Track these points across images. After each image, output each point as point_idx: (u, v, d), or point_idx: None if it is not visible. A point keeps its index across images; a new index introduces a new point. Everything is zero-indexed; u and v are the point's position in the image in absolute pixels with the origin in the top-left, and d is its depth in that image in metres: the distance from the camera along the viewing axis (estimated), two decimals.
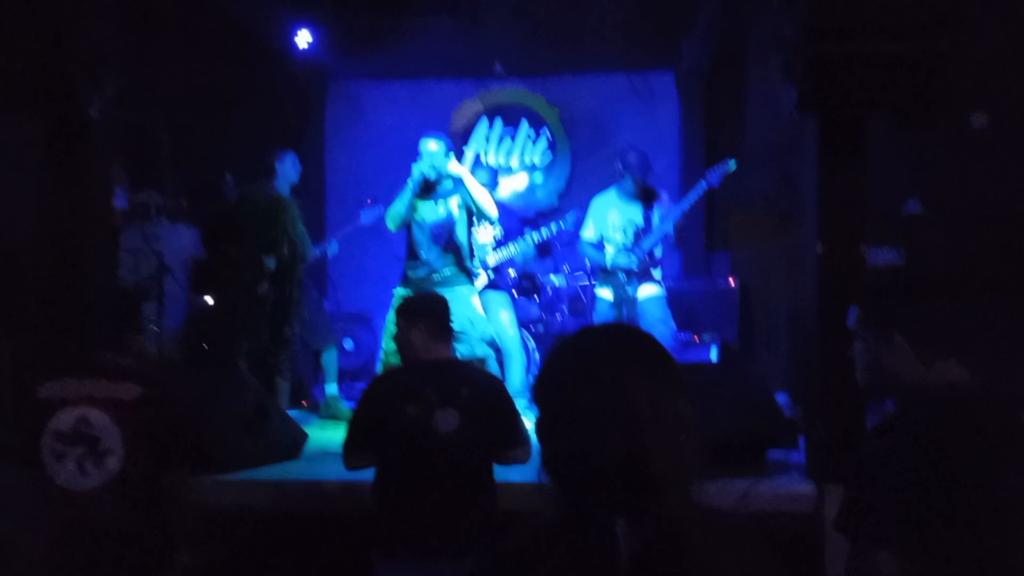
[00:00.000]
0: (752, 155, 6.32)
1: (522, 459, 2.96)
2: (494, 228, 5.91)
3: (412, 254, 5.08)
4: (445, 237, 5.02)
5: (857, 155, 3.60)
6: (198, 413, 2.68)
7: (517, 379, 5.60)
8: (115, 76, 3.89)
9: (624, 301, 5.30)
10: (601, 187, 5.67)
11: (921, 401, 1.92)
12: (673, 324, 5.45)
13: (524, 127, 8.19)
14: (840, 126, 3.59)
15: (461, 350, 4.64)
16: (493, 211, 5.07)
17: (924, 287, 2.07)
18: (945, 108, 3.58)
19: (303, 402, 5.85)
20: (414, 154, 5.09)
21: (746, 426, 3.67)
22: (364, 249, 7.14)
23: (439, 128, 8.00)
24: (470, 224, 5.14)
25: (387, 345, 4.73)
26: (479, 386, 2.95)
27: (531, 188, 8.15)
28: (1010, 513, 1.77)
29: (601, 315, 5.46)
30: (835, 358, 3.60)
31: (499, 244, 5.99)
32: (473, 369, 3.37)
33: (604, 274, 5.45)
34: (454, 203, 5.03)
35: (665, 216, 5.32)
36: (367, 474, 2.97)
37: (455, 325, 4.69)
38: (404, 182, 5.05)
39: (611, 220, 5.43)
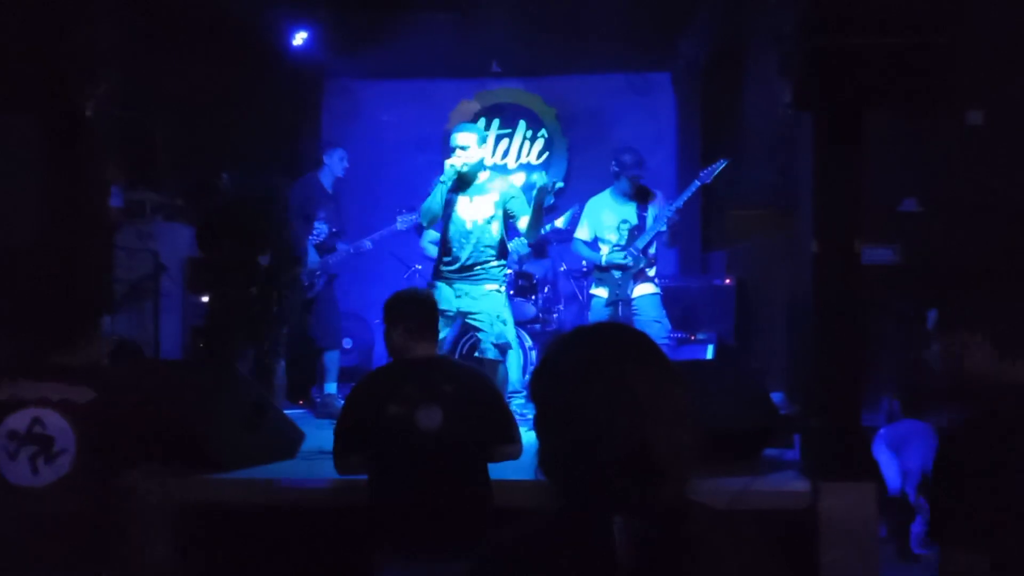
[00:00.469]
0: (749, 151, 6.33)
1: (514, 455, 2.94)
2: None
3: (445, 249, 4.91)
4: (477, 233, 4.84)
5: (854, 151, 3.59)
6: (154, 414, 2.75)
7: (514, 377, 5.60)
8: (111, 74, 3.88)
9: (619, 300, 5.29)
10: (598, 186, 5.67)
11: (1005, 401, 1.89)
12: (668, 323, 5.45)
13: (522, 127, 8.20)
14: (837, 122, 3.58)
15: (483, 346, 4.61)
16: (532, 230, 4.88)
17: (1006, 285, 2.04)
18: (943, 104, 3.57)
19: (300, 401, 5.86)
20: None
21: (741, 424, 3.67)
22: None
23: (437, 127, 8.08)
24: (506, 222, 4.92)
25: None
26: (463, 382, 2.91)
27: (528, 187, 8.14)
28: None
29: (596, 314, 5.45)
30: (831, 355, 3.61)
31: None
32: (458, 365, 3.34)
33: (599, 273, 5.45)
34: (489, 200, 4.85)
35: (659, 215, 5.33)
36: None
37: (480, 323, 4.73)
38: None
39: (606, 220, 5.43)
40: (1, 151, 4.14)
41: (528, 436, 2.29)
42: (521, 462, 2.99)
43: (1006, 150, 5.02)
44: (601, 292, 5.43)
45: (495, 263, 4.88)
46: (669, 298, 5.61)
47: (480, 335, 4.86)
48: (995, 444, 1.80)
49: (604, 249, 5.41)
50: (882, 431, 5.65)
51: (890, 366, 5.83)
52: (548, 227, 6.08)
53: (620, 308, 5.29)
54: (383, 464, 2.86)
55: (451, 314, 4.79)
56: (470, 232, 4.81)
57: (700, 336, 6.33)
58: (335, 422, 3.06)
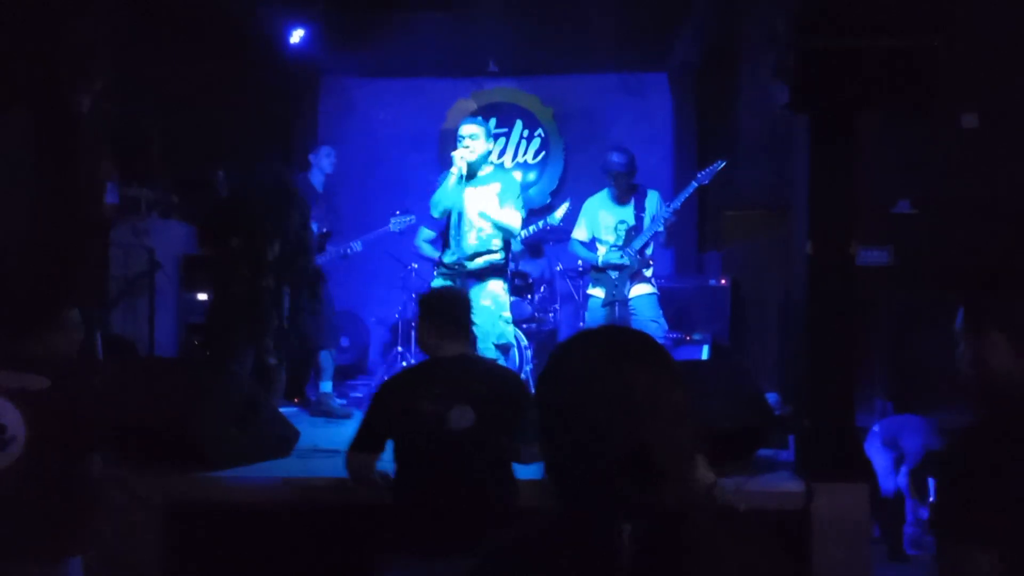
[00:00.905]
0: (745, 152, 6.34)
1: (540, 456, 2.92)
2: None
3: (447, 241, 4.94)
4: (480, 224, 4.82)
5: (849, 153, 3.60)
6: (111, 405, 2.82)
7: None
8: (106, 71, 3.88)
9: (616, 300, 5.30)
10: (594, 186, 5.68)
11: (1020, 398, 1.90)
12: (665, 323, 5.46)
13: (518, 126, 8.20)
14: (832, 123, 3.59)
15: (481, 345, 4.61)
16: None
17: (1021, 284, 2.05)
18: (937, 106, 3.58)
19: (295, 399, 5.85)
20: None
21: (736, 424, 3.67)
22: None
23: (433, 126, 8.08)
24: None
25: None
26: (495, 382, 2.91)
27: (524, 186, 8.15)
28: None
29: (593, 314, 5.46)
30: (825, 355, 3.62)
31: None
32: (489, 364, 3.33)
33: (596, 273, 5.46)
34: (492, 191, 4.84)
35: (657, 215, 5.33)
36: None
37: (478, 318, 4.70)
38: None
39: (603, 221, 5.44)
40: None
41: None
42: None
43: (1000, 152, 5.04)
44: (598, 292, 5.44)
45: (498, 255, 4.88)
46: (664, 299, 5.62)
47: (480, 335, 4.84)
48: (1009, 442, 1.81)
49: (601, 249, 5.42)
50: (876, 427, 5.68)
51: (883, 367, 5.85)
52: (541, 223, 6.08)
53: (617, 308, 5.30)
54: (410, 461, 2.85)
55: None
56: (472, 222, 4.83)
57: (695, 337, 6.33)
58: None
